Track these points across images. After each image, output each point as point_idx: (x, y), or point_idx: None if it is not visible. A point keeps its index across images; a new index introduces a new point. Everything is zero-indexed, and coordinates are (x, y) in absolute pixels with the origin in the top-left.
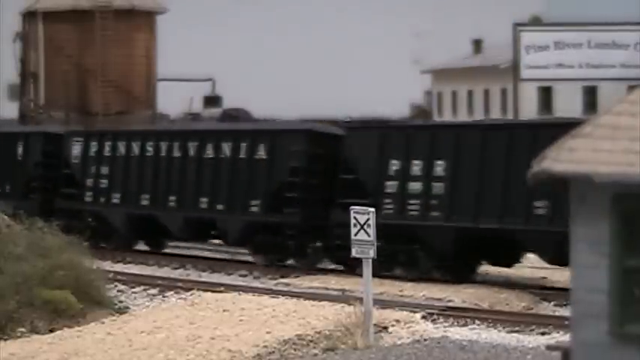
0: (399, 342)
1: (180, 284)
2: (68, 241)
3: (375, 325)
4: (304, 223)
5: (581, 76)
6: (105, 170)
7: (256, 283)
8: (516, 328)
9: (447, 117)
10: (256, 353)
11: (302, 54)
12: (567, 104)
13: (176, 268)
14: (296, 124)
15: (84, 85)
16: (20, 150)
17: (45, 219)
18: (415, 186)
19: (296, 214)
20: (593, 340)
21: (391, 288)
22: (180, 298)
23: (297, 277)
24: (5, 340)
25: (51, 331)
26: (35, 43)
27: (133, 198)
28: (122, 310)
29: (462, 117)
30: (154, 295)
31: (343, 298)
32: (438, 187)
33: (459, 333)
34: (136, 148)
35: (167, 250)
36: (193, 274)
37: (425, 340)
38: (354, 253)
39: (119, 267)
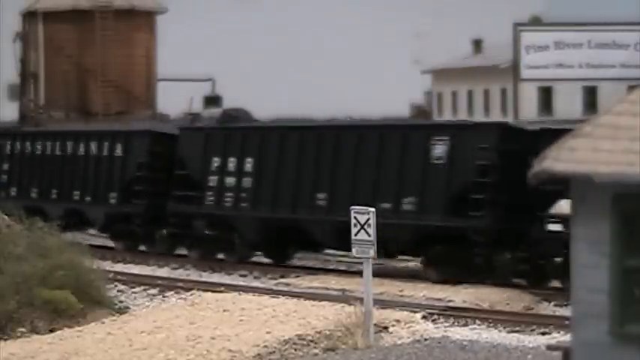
0: (399, 342)
1: (180, 284)
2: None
3: (375, 325)
4: (147, 213)
5: (581, 76)
6: (5, 167)
7: (256, 283)
8: (517, 328)
9: (448, 117)
10: (256, 353)
11: (302, 54)
12: (567, 104)
13: (176, 268)
14: (144, 125)
15: (84, 85)
16: None
17: None
18: (230, 180)
19: (141, 205)
20: (593, 340)
21: (391, 288)
22: (180, 298)
23: (298, 277)
24: (5, 340)
25: (51, 331)
26: (35, 43)
27: (24, 191)
28: (122, 310)
29: (462, 117)
30: (154, 295)
31: (343, 298)
32: (246, 182)
33: (460, 333)
34: (29, 146)
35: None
36: (193, 274)
37: (425, 340)
38: (354, 253)
39: (119, 267)
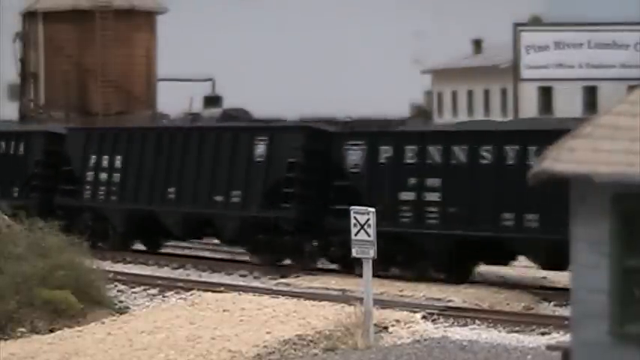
0: (399, 342)
1: (180, 284)
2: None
3: (375, 325)
4: (41, 206)
5: (581, 76)
6: None
7: (256, 283)
8: (516, 328)
9: (448, 117)
10: (256, 353)
11: (302, 54)
12: (567, 104)
13: (176, 268)
14: (42, 126)
15: (84, 85)
16: None
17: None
18: (103, 176)
19: (36, 198)
20: (593, 340)
21: (391, 288)
22: (180, 298)
23: (298, 277)
24: (5, 340)
25: (51, 331)
26: (35, 43)
27: None
28: (122, 310)
29: (463, 117)
30: (154, 295)
31: (343, 298)
32: (116, 177)
33: (459, 333)
34: None
35: (167, 250)
36: (193, 274)
37: (425, 340)
38: (354, 253)
39: (119, 267)
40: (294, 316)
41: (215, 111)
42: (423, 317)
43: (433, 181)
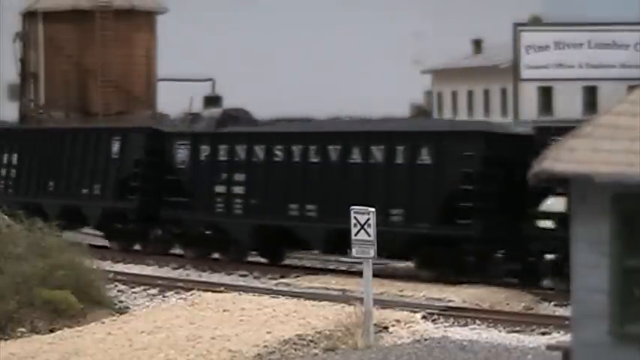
0: (399, 342)
1: (180, 284)
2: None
3: (375, 325)
4: None
5: (581, 76)
6: None
7: (256, 283)
8: (517, 328)
9: (448, 117)
10: (256, 353)
11: (302, 54)
12: (567, 104)
13: (176, 268)
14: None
15: (84, 85)
16: None
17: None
18: (3, 172)
19: None
20: (593, 340)
21: (391, 288)
22: (180, 298)
23: (298, 277)
24: (5, 340)
25: (51, 331)
26: (35, 43)
27: None
28: (122, 310)
29: (463, 117)
30: (154, 295)
31: (343, 298)
32: (13, 173)
33: (460, 333)
34: None
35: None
36: (193, 274)
37: (425, 340)
38: (354, 253)
39: (119, 267)
40: (294, 316)
41: (215, 111)
42: (423, 317)
43: (239, 176)
